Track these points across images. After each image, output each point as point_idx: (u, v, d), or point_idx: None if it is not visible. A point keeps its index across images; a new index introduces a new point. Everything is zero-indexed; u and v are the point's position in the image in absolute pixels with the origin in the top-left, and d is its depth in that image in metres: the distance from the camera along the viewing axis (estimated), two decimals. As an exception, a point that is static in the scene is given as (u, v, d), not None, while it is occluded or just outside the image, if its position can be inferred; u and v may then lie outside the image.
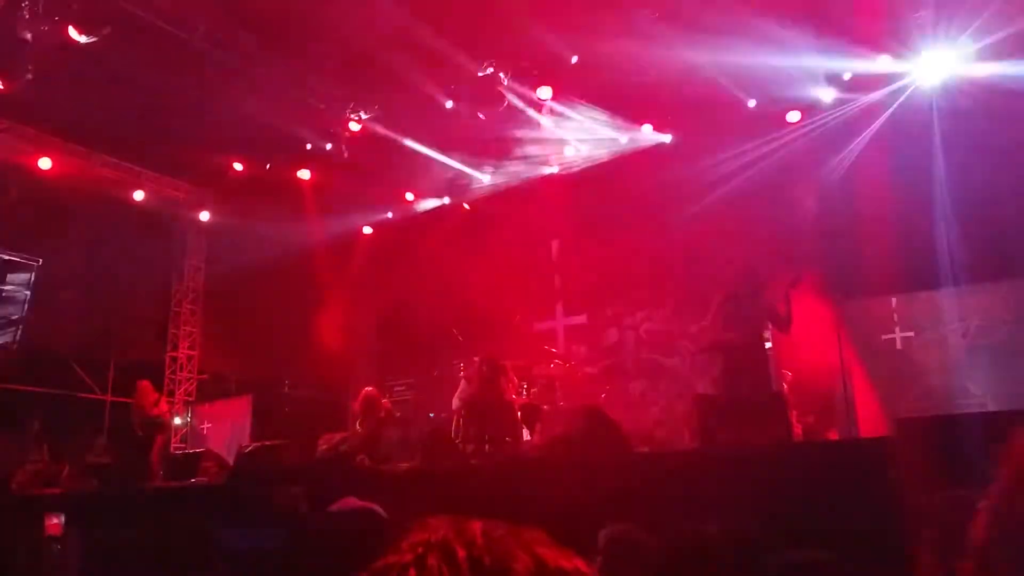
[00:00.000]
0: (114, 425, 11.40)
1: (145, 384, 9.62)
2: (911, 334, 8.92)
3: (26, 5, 8.13)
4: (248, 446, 7.65)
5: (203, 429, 12.57)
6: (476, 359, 8.52)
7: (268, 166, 11.51)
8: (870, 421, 8.16)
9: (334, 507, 2.77)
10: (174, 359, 12.80)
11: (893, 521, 3.09)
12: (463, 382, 8.89)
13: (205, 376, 13.05)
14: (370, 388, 8.67)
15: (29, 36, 8.29)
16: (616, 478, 3.85)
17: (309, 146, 11.06)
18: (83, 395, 11.77)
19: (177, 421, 12.20)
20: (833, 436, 7.94)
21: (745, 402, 6.01)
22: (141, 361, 12.06)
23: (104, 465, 7.89)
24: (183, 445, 11.98)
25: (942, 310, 8.57)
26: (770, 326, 6.99)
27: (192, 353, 12.96)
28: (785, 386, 8.27)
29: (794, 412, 7.42)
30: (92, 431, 11.13)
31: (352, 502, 2.76)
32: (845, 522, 3.26)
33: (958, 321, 8.45)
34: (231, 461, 7.85)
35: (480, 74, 9.65)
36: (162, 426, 9.61)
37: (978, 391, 7.97)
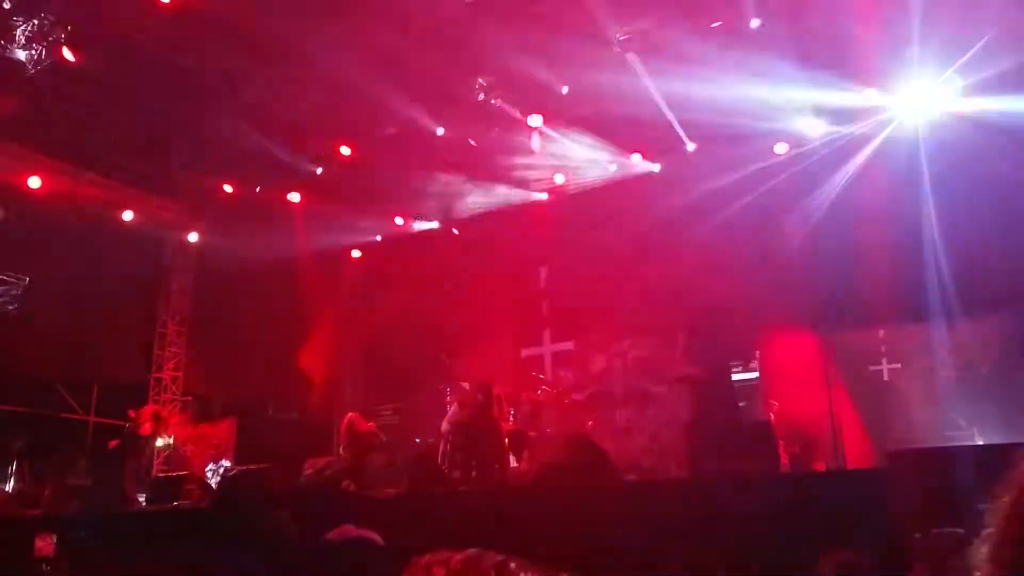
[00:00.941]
0: (97, 446, 11.23)
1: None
2: (898, 365, 8.98)
3: (19, 25, 8.15)
4: (232, 470, 7.56)
5: (186, 452, 12.40)
6: (466, 384, 8.50)
7: (258, 189, 11.51)
8: (857, 452, 8.17)
9: (331, 535, 2.73)
10: (158, 380, 12.66)
11: (881, 554, 3.09)
12: (455, 406, 8.83)
13: (189, 398, 12.91)
14: (354, 413, 8.60)
15: (22, 56, 8.32)
16: (604, 507, 3.83)
17: (299, 169, 11.09)
18: (66, 415, 11.61)
19: (160, 443, 12.04)
20: (819, 467, 7.93)
21: (732, 432, 6.02)
22: (125, 382, 11.92)
23: (86, 487, 7.77)
24: (166, 468, 11.82)
25: (929, 342, 8.63)
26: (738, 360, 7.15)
27: (177, 375, 12.83)
28: (772, 416, 8.27)
29: (781, 442, 7.42)
30: (74, 452, 10.97)
31: (350, 530, 2.72)
32: (831, 553, 3.25)
33: (945, 353, 8.51)
34: (214, 485, 7.75)
35: (472, 101, 9.73)
36: (139, 447, 9.37)
37: (965, 423, 8.00)
